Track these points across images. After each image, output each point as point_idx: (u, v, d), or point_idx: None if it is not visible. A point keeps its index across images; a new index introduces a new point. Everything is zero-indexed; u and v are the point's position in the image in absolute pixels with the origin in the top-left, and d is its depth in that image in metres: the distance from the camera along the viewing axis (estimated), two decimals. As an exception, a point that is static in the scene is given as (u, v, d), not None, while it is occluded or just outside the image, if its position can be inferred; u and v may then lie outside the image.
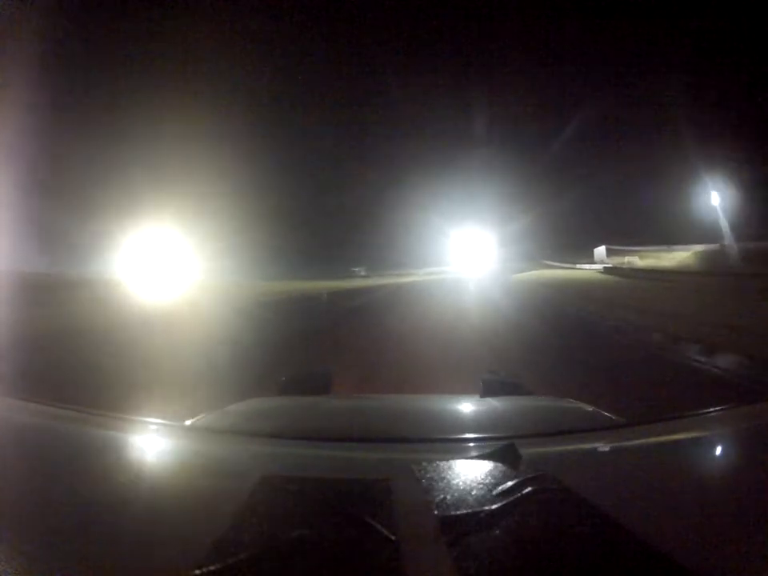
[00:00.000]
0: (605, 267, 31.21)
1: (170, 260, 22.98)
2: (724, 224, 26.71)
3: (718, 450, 0.91)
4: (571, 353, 6.24)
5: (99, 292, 15.00)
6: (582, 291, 17.37)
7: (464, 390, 2.04)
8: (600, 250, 41.79)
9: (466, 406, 1.54)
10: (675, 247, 33.51)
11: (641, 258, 33.49)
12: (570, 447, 0.91)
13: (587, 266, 39.70)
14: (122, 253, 20.94)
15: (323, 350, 6.72)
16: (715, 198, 28.44)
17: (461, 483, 0.63)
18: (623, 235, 43.44)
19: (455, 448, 0.91)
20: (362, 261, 57.16)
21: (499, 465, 0.69)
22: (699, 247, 30.54)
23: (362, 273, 54.01)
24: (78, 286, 16.13)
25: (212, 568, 0.44)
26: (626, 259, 32.84)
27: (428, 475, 0.65)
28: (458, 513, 0.54)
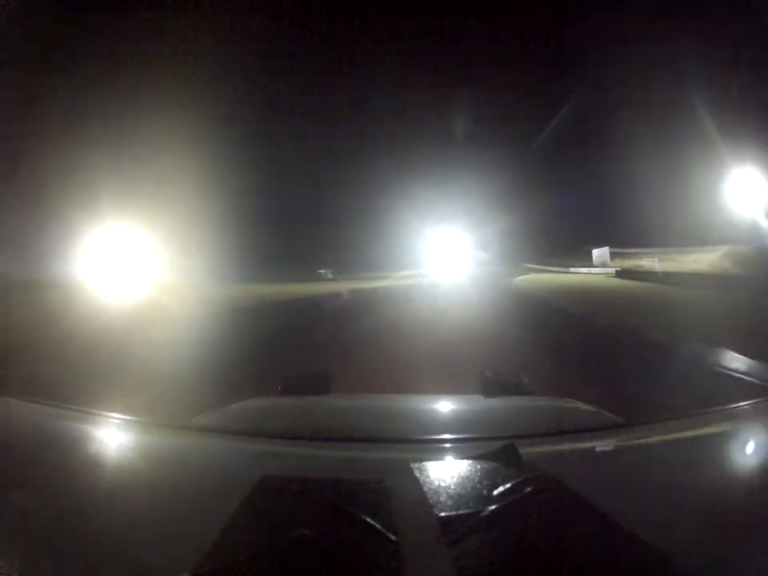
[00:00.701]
0: (617, 271, 26.53)
1: (132, 260, 22.13)
2: (763, 220, 22.12)
3: (718, 450, 0.90)
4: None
5: (50, 294, 13.95)
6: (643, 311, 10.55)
7: (464, 390, 1.94)
8: (601, 252, 37.49)
9: (466, 406, 1.56)
10: (686, 249, 29.04)
11: (652, 260, 28.95)
12: (570, 447, 0.90)
13: (584, 270, 35.09)
14: (81, 253, 19.70)
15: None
16: (745, 192, 23.80)
17: (461, 483, 0.63)
18: (612, 237, 39.19)
19: (455, 448, 0.90)
20: (331, 262, 51.06)
21: (499, 465, 0.69)
22: (724, 248, 26.04)
23: (329, 276, 48.14)
24: (26, 287, 14.71)
25: (212, 568, 0.44)
26: (645, 262, 28.08)
27: (428, 475, 0.65)
28: (458, 513, 0.54)
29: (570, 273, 34.57)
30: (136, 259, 21.97)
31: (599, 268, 33.62)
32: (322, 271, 48.37)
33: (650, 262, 28.18)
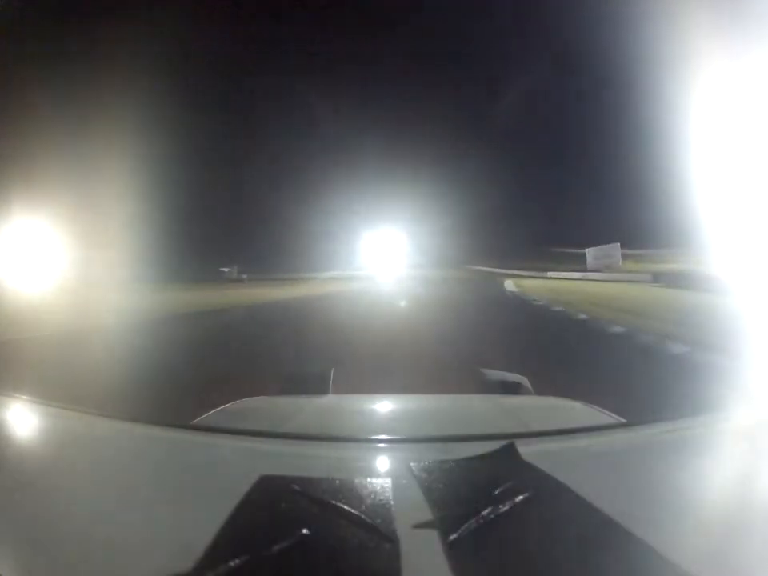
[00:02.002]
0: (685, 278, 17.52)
1: (38, 257, 23.07)
2: None
3: (719, 451, 0.89)
4: None
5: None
6: None
7: (464, 389, 1.87)
8: (602, 251, 28.82)
9: (466, 406, 1.54)
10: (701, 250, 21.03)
11: (663, 263, 20.58)
12: (570, 447, 0.90)
13: (577, 275, 25.88)
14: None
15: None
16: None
17: (461, 483, 0.63)
18: (591, 237, 31.11)
19: (455, 448, 0.88)
20: (240, 260, 41.96)
21: (499, 465, 0.69)
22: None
23: (234, 275, 37.53)
24: None
25: (212, 568, 0.44)
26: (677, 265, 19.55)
27: (428, 475, 0.65)
28: (458, 513, 0.54)
29: (546, 278, 26.02)
30: (41, 256, 22.67)
31: (604, 273, 25.15)
32: (226, 270, 38.94)
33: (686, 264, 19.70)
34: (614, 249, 28.95)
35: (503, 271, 36.30)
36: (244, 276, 38.55)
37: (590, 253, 31.48)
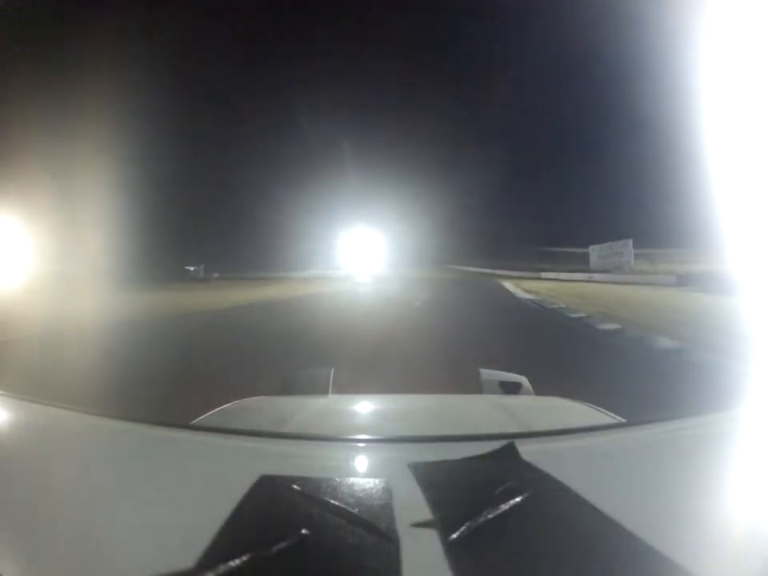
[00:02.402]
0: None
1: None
2: None
3: (719, 451, 0.89)
4: None
5: None
6: None
7: (464, 389, 1.88)
8: (612, 249, 26.00)
9: (466, 406, 1.55)
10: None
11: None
12: (570, 447, 0.89)
13: (578, 277, 23.29)
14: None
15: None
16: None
17: (461, 483, 0.64)
18: (579, 234, 28.86)
19: (455, 448, 0.87)
20: (209, 258, 39.51)
21: (499, 465, 0.69)
22: None
23: (202, 274, 34.71)
24: None
25: (212, 568, 0.44)
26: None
27: (428, 475, 0.65)
28: (458, 513, 0.54)
29: (549, 280, 23.46)
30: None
31: (612, 274, 22.67)
32: (191, 268, 36.13)
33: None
34: (625, 247, 25.61)
35: (490, 271, 34.12)
36: (215, 275, 35.54)
37: (595, 251, 28.31)
